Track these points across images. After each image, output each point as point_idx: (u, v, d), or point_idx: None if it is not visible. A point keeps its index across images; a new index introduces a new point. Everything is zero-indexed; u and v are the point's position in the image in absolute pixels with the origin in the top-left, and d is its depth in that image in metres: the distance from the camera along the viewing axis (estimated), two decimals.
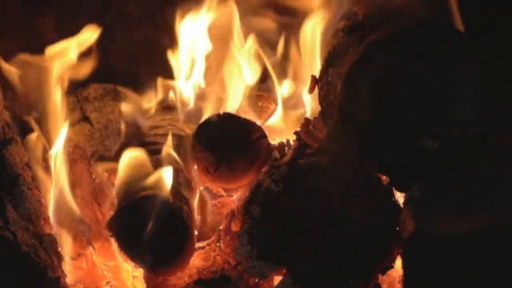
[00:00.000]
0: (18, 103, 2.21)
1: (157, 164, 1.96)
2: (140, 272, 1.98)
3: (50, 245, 1.86)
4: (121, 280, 2.03)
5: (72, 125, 2.19)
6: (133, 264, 1.92)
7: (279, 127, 2.29)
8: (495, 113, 1.74)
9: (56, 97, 2.12)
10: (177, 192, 1.95)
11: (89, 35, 2.20)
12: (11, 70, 2.15)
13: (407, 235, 1.70)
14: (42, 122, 2.12)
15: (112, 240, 1.89)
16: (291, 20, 2.27)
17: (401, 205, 1.79)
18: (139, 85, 2.34)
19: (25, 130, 2.12)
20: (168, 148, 2.00)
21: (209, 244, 1.97)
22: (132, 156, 1.95)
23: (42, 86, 2.13)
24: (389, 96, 1.74)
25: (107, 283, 2.02)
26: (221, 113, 2.11)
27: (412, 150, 1.73)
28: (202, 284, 1.86)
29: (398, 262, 1.75)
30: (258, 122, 2.15)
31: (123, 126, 2.23)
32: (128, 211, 1.88)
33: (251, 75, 2.29)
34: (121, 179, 1.95)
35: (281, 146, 2.07)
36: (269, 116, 2.34)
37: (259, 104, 2.36)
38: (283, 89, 2.34)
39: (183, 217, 1.88)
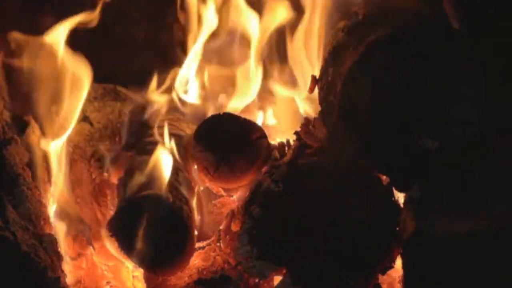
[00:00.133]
0: (18, 103, 2.21)
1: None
2: (140, 272, 1.98)
3: (50, 245, 1.86)
4: (121, 280, 2.03)
5: None
6: (133, 264, 1.92)
7: (279, 127, 2.29)
8: (495, 113, 1.74)
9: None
10: (177, 192, 1.94)
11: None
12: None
13: (407, 235, 1.70)
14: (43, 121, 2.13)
15: (112, 240, 1.89)
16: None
17: (401, 205, 1.79)
18: (139, 85, 2.34)
19: (25, 130, 2.12)
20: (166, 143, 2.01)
21: (209, 244, 1.97)
22: None
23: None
24: (389, 96, 1.74)
25: (107, 283, 2.02)
26: (221, 113, 2.11)
27: (412, 150, 1.73)
28: (202, 284, 1.86)
29: (398, 262, 1.75)
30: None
31: (123, 126, 2.23)
32: (128, 211, 1.88)
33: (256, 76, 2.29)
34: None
35: (281, 146, 2.07)
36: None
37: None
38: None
39: (183, 217, 1.88)
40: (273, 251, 1.78)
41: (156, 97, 2.33)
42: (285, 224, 1.80)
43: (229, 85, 2.31)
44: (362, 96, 1.75)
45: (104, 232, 1.97)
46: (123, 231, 1.87)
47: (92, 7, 2.35)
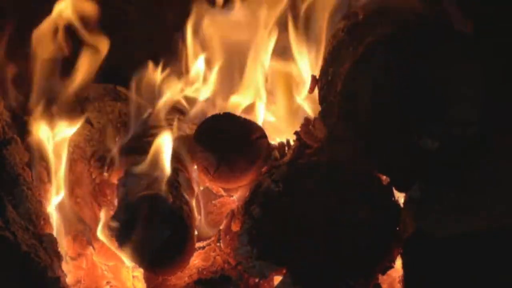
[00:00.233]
0: (18, 103, 2.21)
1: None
2: (140, 272, 1.98)
3: (50, 245, 1.86)
4: (121, 280, 2.03)
5: None
6: (133, 264, 1.92)
7: (279, 127, 2.29)
8: (495, 113, 1.74)
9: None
10: (177, 192, 1.94)
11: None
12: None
13: (407, 235, 1.70)
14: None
15: (112, 240, 1.89)
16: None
17: (401, 205, 1.79)
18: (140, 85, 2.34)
19: (25, 130, 2.12)
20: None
21: (209, 244, 1.97)
22: None
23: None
24: (389, 96, 1.74)
25: (107, 283, 2.02)
26: (221, 113, 2.11)
27: (412, 150, 1.73)
28: (202, 284, 1.86)
29: (398, 262, 1.75)
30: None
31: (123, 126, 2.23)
32: (128, 211, 1.88)
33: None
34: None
35: (281, 146, 2.07)
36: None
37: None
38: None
39: (183, 217, 1.88)
40: (273, 251, 1.78)
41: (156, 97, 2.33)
42: (285, 224, 1.80)
43: (230, 86, 2.31)
44: (362, 96, 1.75)
45: (104, 232, 1.98)
46: (123, 231, 1.87)
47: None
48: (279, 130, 2.28)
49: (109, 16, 2.43)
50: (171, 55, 2.36)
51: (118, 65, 2.39)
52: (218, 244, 1.95)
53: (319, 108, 1.93)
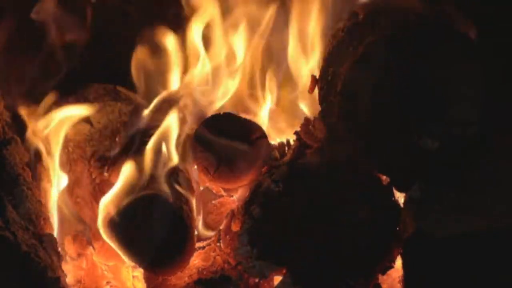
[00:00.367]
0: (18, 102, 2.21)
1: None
2: (140, 272, 1.98)
3: (50, 245, 1.86)
4: (121, 280, 2.03)
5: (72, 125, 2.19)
6: (133, 264, 1.92)
7: (279, 127, 2.29)
8: (495, 113, 1.74)
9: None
10: (177, 192, 1.94)
11: None
12: None
13: (407, 235, 1.70)
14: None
15: (112, 241, 1.89)
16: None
17: (401, 205, 1.79)
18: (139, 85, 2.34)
19: (25, 130, 2.12)
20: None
21: (209, 244, 1.97)
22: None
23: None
24: (389, 96, 1.74)
25: (107, 283, 2.02)
26: (221, 113, 2.11)
27: (412, 150, 1.73)
28: (202, 284, 1.86)
29: (398, 262, 1.75)
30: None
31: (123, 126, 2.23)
32: (128, 211, 1.88)
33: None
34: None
35: (281, 146, 2.07)
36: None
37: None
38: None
39: (183, 217, 1.88)
40: (273, 251, 1.78)
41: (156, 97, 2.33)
42: (285, 224, 1.80)
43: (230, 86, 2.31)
44: (362, 96, 1.75)
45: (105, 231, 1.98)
46: (123, 231, 1.87)
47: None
48: (279, 130, 2.28)
49: (109, 16, 2.43)
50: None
51: (118, 65, 2.39)
52: (218, 244, 1.95)
53: (319, 108, 1.93)
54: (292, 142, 2.01)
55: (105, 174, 2.14)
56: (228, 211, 2.01)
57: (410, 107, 1.72)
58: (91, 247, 2.03)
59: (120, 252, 1.88)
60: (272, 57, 2.35)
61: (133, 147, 2.09)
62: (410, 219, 1.71)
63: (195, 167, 2.06)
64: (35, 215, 1.91)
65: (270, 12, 2.23)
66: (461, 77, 1.72)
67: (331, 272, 1.75)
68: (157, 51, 2.32)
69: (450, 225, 1.65)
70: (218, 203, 2.11)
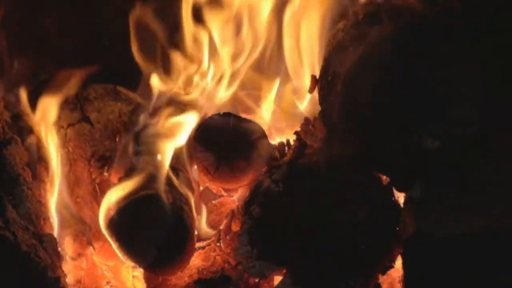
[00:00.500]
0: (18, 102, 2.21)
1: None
2: (140, 272, 1.98)
3: (50, 245, 1.86)
4: (121, 280, 2.03)
5: (72, 125, 2.19)
6: (133, 264, 1.92)
7: (279, 127, 2.29)
8: (495, 113, 1.73)
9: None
10: (177, 192, 1.94)
11: None
12: None
13: (407, 235, 1.70)
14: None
15: (112, 240, 1.89)
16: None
17: (401, 205, 1.79)
18: (139, 85, 2.34)
19: (25, 130, 2.12)
20: None
21: (209, 244, 1.97)
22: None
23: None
24: (389, 96, 1.74)
25: (107, 283, 2.02)
26: (221, 113, 2.11)
27: (412, 150, 1.73)
28: (202, 284, 1.86)
29: (398, 262, 1.75)
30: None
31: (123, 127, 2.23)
32: (128, 211, 1.88)
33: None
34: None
35: (281, 146, 2.07)
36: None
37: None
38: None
39: (183, 217, 1.88)
40: (273, 251, 1.78)
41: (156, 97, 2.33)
42: (285, 224, 1.80)
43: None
44: (362, 96, 1.75)
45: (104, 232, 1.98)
46: (123, 231, 1.87)
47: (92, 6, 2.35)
48: (279, 130, 2.28)
49: (109, 16, 2.43)
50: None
51: (118, 65, 2.39)
52: (218, 244, 1.95)
53: (319, 108, 1.93)
54: (292, 142, 2.01)
55: (105, 174, 2.14)
56: (228, 211, 2.01)
57: (410, 107, 1.72)
58: (91, 247, 2.03)
59: (120, 252, 1.88)
60: (272, 57, 2.35)
61: (133, 147, 2.09)
62: (410, 219, 1.71)
63: (195, 167, 2.06)
64: (35, 215, 1.91)
65: (270, 11, 2.24)
66: (461, 77, 1.72)
67: (331, 272, 1.75)
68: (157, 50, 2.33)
69: (450, 225, 1.65)
70: (218, 203, 2.11)
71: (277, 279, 1.80)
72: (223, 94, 2.27)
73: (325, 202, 1.80)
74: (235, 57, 2.30)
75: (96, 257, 2.04)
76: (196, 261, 1.95)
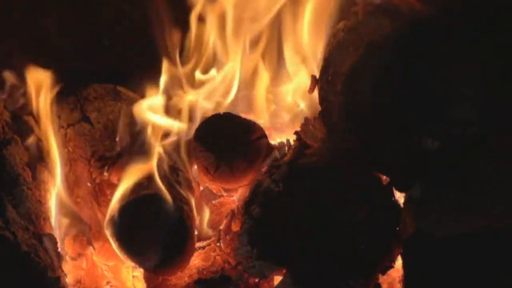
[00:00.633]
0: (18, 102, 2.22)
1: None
2: (140, 272, 1.98)
3: (50, 245, 1.86)
4: (121, 280, 2.03)
5: (72, 125, 2.20)
6: (133, 264, 1.92)
7: (279, 127, 2.29)
8: (495, 113, 1.73)
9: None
10: (177, 192, 1.95)
11: None
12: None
13: (407, 235, 1.70)
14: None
15: (112, 240, 1.89)
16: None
17: (401, 205, 1.79)
18: (139, 85, 2.34)
19: (25, 130, 2.13)
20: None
21: (209, 244, 1.97)
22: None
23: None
24: (389, 96, 1.73)
25: (107, 283, 2.02)
26: (221, 113, 2.11)
27: (412, 150, 1.73)
28: (202, 284, 1.86)
29: (398, 262, 1.75)
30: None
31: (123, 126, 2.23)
32: (128, 211, 1.88)
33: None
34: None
35: (281, 146, 2.07)
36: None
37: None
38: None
39: (183, 217, 1.88)
40: (273, 251, 1.78)
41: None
42: (285, 224, 1.80)
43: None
44: (362, 96, 1.75)
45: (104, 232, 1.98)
46: (123, 231, 1.87)
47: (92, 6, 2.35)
48: (279, 130, 2.28)
49: (109, 16, 2.43)
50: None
51: (118, 65, 2.39)
52: (218, 244, 1.95)
53: (319, 108, 1.93)
54: (292, 142, 2.01)
55: (105, 174, 2.14)
56: (228, 211, 2.01)
57: (410, 107, 1.72)
58: (91, 247, 2.03)
59: (120, 252, 1.88)
60: (272, 57, 2.36)
61: (133, 147, 2.09)
62: (410, 219, 1.71)
63: (195, 167, 2.07)
64: (35, 215, 1.91)
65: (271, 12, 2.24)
66: (461, 77, 1.72)
67: (331, 272, 1.75)
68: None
69: (450, 225, 1.65)
70: (218, 203, 2.12)
71: (277, 279, 1.80)
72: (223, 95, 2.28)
73: (325, 202, 1.80)
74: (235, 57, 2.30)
75: (96, 257, 2.04)
76: (196, 261, 1.95)
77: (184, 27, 2.32)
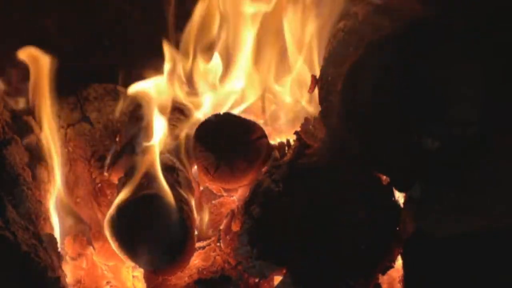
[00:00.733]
0: (18, 102, 2.22)
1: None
2: (140, 272, 1.98)
3: (50, 245, 1.86)
4: (121, 280, 2.03)
5: (72, 125, 2.20)
6: (133, 264, 1.92)
7: (279, 127, 2.29)
8: (495, 113, 1.73)
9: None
10: (177, 192, 1.95)
11: None
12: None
13: (407, 235, 1.70)
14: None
15: (112, 240, 1.89)
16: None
17: (401, 205, 1.79)
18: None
19: (25, 130, 2.12)
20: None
21: (209, 244, 1.97)
22: None
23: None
24: (389, 96, 1.73)
25: (107, 283, 2.02)
26: (221, 113, 2.11)
27: (412, 150, 1.73)
28: (202, 284, 1.86)
29: (398, 262, 1.75)
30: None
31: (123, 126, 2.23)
32: (128, 211, 1.88)
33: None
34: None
35: (281, 146, 2.07)
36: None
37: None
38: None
39: (183, 217, 1.88)
40: (273, 251, 1.78)
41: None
42: (285, 224, 1.80)
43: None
44: (362, 96, 1.75)
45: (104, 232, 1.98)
46: (123, 231, 1.87)
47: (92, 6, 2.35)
48: (279, 130, 2.28)
49: (109, 16, 2.43)
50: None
51: (118, 65, 2.39)
52: (218, 244, 1.95)
53: (319, 108, 1.93)
54: (292, 142, 2.01)
55: (105, 174, 2.14)
56: (228, 211, 2.01)
57: (410, 107, 1.72)
58: (91, 247, 2.03)
59: (120, 252, 1.88)
60: (272, 56, 2.36)
61: (133, 147, 2.09)
62: (410, 219, 1.71)
63: (195, 167, 2.06)
64: (35, 215, 1.91)
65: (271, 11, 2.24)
66: (461, 77, 1.72)
67: (331, 272, 1.75)
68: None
69: (450, 225, 1.65)
70: (218, 203, 2.11)
71: (277, 279, 1.80)
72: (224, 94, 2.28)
73: (325, 202, 1.80)
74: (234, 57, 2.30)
75: (96, 257, 2.04)
76: (196, 261, 1.95)
77: (185, 25, 2.32)
